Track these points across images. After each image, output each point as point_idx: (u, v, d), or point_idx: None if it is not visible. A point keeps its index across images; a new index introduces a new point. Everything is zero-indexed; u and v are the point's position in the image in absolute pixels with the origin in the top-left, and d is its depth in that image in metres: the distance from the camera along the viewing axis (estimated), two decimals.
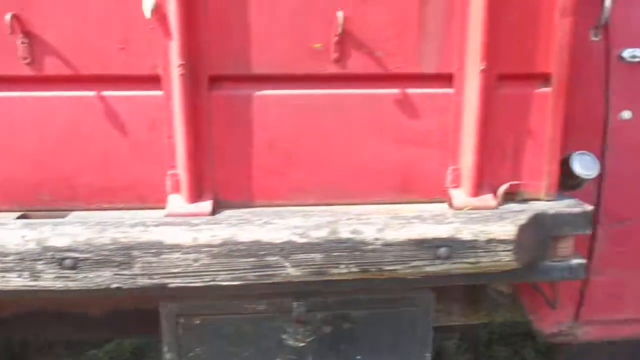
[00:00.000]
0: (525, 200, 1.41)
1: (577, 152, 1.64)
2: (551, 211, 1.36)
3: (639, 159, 1.71)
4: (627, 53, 1.67)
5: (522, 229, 1.25)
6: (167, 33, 1.25)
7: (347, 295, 1.52)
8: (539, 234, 1.32)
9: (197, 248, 1.21)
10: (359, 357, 1.70)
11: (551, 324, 1.88)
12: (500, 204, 1.40)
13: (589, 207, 1.39)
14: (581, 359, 1.97)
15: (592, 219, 1.38)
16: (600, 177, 1.71)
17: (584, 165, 1.62)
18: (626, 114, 1.69)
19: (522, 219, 1.26)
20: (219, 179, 1.38)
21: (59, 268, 1.19)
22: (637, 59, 1.66)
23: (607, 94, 1.68)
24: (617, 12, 1.68)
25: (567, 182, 1.68)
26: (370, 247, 1.22)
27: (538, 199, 1.42)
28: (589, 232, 1.39)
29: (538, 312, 1.89)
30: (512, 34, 1.32)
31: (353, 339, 1.67)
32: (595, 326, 1.88)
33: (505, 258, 1.24)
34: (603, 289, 1.82)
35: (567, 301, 1.85)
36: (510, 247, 1.24)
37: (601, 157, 1.69)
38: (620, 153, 1.71)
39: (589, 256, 1.78)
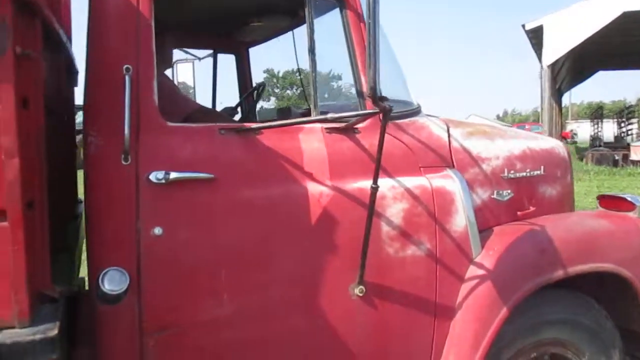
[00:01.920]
0: None
1: (108, 269, 1.74)
2: (9, 340, 1.40)
3: (172, 270, 1.87)
4: (153, 176, 1.85)
5: None
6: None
7: None
8: None
9: None
10: None
11: None
12: None
13: (52, 333, 1.46)
14: None
15: (55, 345, 1.45)
16: (138, 290, 1.83)
17: (112, 282, 1.73)
18: (157, 230, 1.85)
19: None
20: None
21: None
22: (162, 181, 1.85)
23: (139, 213, 1.84)
24: (145, 139, 1.87)
25: (104, 298, 1.77)
26: None
27: (13, 327, 1.46)
28: (54, 357, 1.46)
29: None
30: None
31: None
32: None
33: None
34: None
35: None
36: None
37: (137, 271, 1.82)
38: (156, 266, 1.85)
39: None
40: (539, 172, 2.77)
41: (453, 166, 2.42)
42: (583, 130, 31.42)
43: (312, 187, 2.07)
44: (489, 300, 2.30)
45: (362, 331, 2.16)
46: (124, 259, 1.79)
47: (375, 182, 1.93)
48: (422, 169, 2.32)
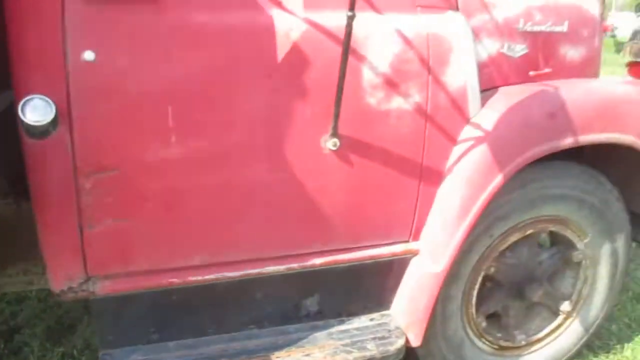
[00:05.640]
0: None
1: (28, 97, 1.50)
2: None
3: (107, 103, 1.61)
4: None
5: None
6: None
7: None
8: None
9: None
10: None
11: (62, 280, 1.77)
12: None
13: None
14: (114, 315, 1.89)
15: None
16: (69, 123, 1.59)
17: (35, 111, 1.49)
18: (88, 55, 1.57)
19: None
20: None
21: None
22: None
23: (65, 33, 1.54)
24: None
25: (29, 130, 1.54)
26: None
27: None
28: None
29: (49, 267, 1.77)
30: None
31: None
32: (112, 280, 1.80)
33: None
34: (104, 241, 1.74)
35: (72, 256, 1.74)
36: None
37: (67, 102, 1.57)
38: (88, 97, 1.59)
39: (78, 209, 1.68)
40: (561, 28, 2.37)
41: (457, 9, 2.04)
42: (625, 25, 29.30)
43: (281, 18, 1.74)
44: (483, 165, 2.03)
45: (334, 189, 1.93)
46: (49, 86, 1.53)
47: (352, 7, 1.58)
48: (418, 7, 1.96)
